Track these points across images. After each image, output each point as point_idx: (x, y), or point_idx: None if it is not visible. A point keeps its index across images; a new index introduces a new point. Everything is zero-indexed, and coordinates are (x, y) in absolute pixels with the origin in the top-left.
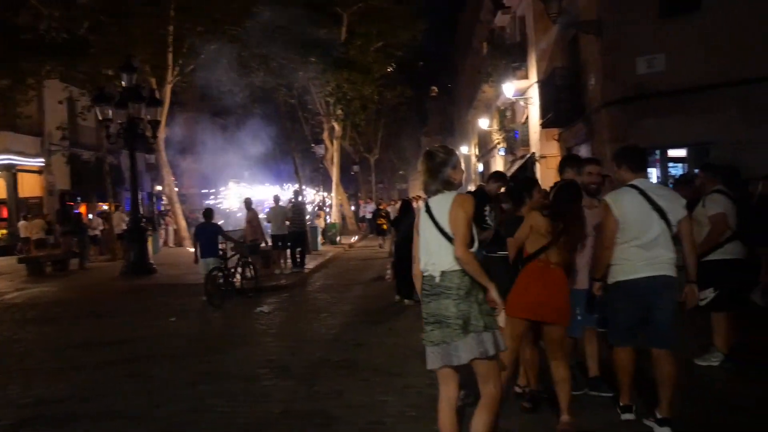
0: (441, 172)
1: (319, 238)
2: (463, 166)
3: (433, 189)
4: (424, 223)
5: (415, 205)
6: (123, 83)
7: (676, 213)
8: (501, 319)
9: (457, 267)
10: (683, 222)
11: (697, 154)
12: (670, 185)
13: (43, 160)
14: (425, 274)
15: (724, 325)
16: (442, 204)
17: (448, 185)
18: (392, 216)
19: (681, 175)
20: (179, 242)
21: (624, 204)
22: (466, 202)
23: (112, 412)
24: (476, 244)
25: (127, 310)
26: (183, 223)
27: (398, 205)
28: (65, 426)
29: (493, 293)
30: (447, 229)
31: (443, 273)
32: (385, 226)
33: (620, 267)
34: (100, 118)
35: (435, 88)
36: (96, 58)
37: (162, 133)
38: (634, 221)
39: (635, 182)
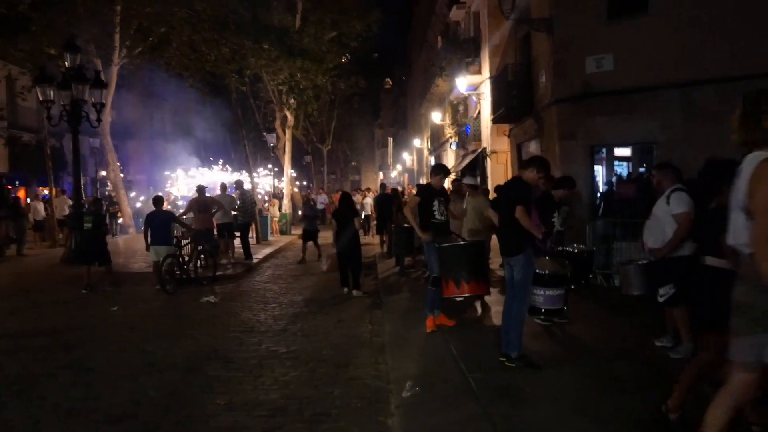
0: (757, 119)
1: (270, 228)
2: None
3: (748, 142)
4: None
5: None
6: (66, 63)
7: None
8: None
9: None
10: None
11: (641, 153)
12: (614, 182)
13: None
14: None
15: (687, 318)
16: (749, 166)
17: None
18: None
19: (627, 174)
20: (124, 230)
21: None
22: None
23: (47, 404)
24: None
25: (67, 298)
26: (128, 211)
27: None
28: None
29: None
30: (744, 200)
31: (750, 255)
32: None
33: None
34: (41, 98)
35: (389, 80)
36: (37, 35)
37: (107, 117)
38: None
39: None
